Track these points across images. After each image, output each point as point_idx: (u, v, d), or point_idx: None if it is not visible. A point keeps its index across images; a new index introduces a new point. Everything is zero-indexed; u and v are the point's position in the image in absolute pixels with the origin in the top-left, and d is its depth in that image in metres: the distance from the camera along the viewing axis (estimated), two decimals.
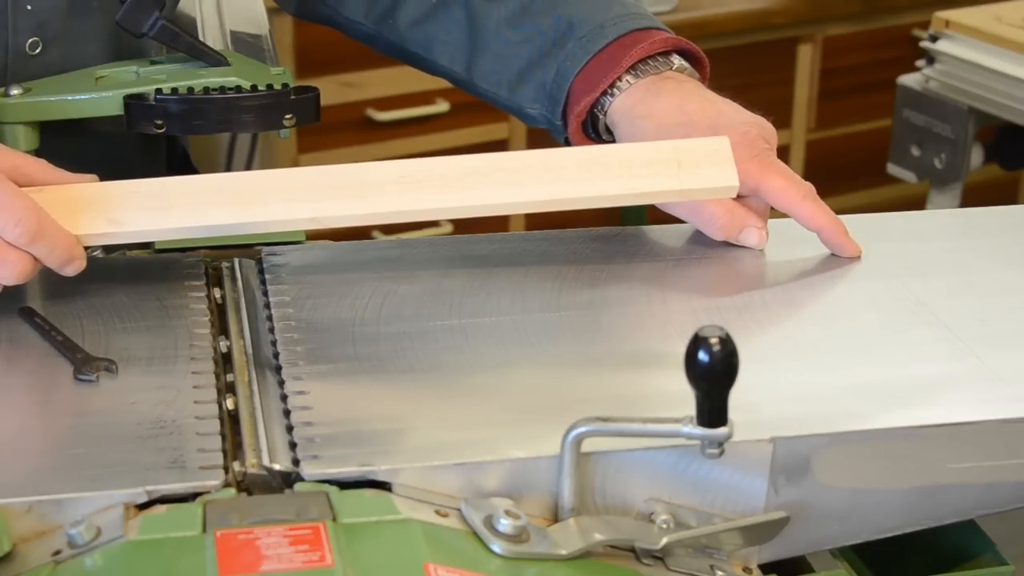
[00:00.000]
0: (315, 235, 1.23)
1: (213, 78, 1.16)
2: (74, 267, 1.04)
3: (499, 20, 1.28)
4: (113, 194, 1.06)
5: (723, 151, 1.12)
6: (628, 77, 1.21)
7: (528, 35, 1.27)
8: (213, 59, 1.19)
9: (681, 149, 1.12)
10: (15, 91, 1.16)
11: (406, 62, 1.38)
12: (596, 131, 1.25)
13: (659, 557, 0.91)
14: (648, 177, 1.10)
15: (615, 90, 1.21)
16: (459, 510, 0.88)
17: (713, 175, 1.11)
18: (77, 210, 1.05)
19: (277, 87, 1.16)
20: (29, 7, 1.18)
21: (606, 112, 1.22)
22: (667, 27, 1.26)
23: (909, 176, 2.29)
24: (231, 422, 0.95)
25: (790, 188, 1.17)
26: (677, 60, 1.23)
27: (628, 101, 1.21)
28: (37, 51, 1.19)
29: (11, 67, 1.18)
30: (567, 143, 1.26)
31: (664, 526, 0.91)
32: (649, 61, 1.22)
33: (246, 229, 1.09)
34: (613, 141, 1.23)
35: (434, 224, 2.85)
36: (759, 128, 1.19)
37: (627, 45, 1.22)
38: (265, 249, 1.16)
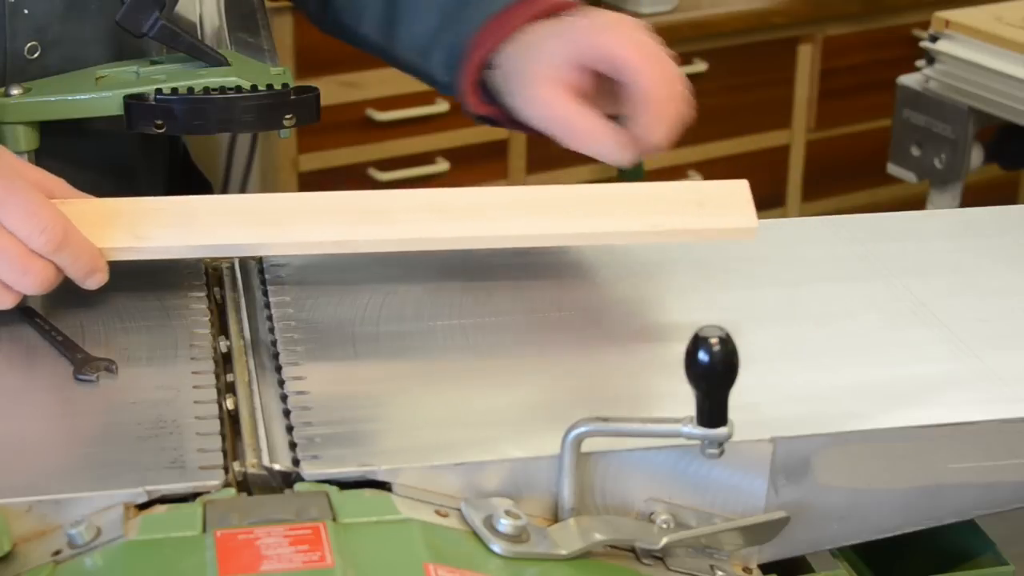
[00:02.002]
0: None
1: (213, 78, 1.16)
2: (96, 279, 1.03)
3: None
4: (138, 210, 1.06)
5: (743, 193, 1.12)
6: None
7: (435, 1, 1.25)
8: (213, 59, 1.19)
9: (703, 191, 1.12)
10: (15, 91, 1.16)
11: (344, 40, 1.37)
12: (490, 95, 1.21)
13: (659, 557, 0.91)
14: (669, 215, 1.10)
15: (505, 44, 1.18)
16: (459, 510, 0.88)
17: (733, 217, 1.11)
18: (102, 224, 1.05)
19: (277, 87, 1.16)
20: (26, 11, 1.18)
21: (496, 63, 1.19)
22: None
23: (909, 176, 2.29)
24: (231, 422, 0.95)
25: (631, 57, 1.12)
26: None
27: (515, 42, 1.18)
28: (36, 55, 1.19)
29: (9, 71, 1.18)
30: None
31: (664, 526, 0.91)
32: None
33: (270, 250, 1.09)
34: (508, 104, 1.20)
35: None
36: (623, 18, 1.16)
37: (519, 10, 1.18)
38: None
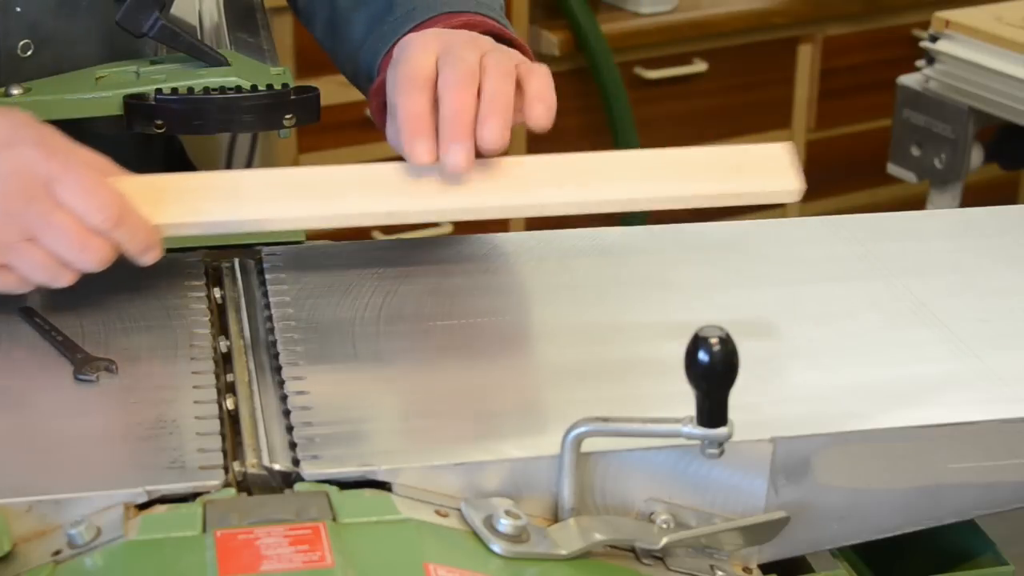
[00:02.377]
0: (315, 235, 1.23)
1: (213, 78, 1.16)
2: (152, 255, 1.03)
3: (347, 1, 1.27)
4: (190, 186, 1.07)
5: (783, 157, 1.12)
6: None
7: (365, 16, 1.25)
8: (213, 59, 1.19)
9: (742, 155, 1.11)
10: (15, 91, 1.15)
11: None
12: None
13: (659, 557, 0.91)
14: (709, 181, 1.10)
15: None
16: (459, 510, 0.88)
17: (775, 180, 1.11)
18: (155, 200, 1.04)
19: (277, 87, 1.16)
20: (18, 8, 1.18)
21: None
22: (495, 10, 1.21)
23: (909, 176, 2.29)
24: (231, 422, 0.95)
25: (393, 77, 1.07)
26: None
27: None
28: (29, 53, 1.18)
29: (4, 70, 1.18)
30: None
31: (664, 526, 0.91)
32: None
33: (323, 223, 1.08)
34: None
35: (434, 224, 2.85)
36: (472, 37, 1.11)
37: (427, 27, 1.17)
38: (265, 249, 1.16)
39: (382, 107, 1.15)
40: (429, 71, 1.07)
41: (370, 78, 1.23)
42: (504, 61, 1.08)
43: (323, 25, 1.32)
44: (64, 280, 1.01)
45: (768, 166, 1.11)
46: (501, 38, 1.17)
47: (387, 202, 1.06)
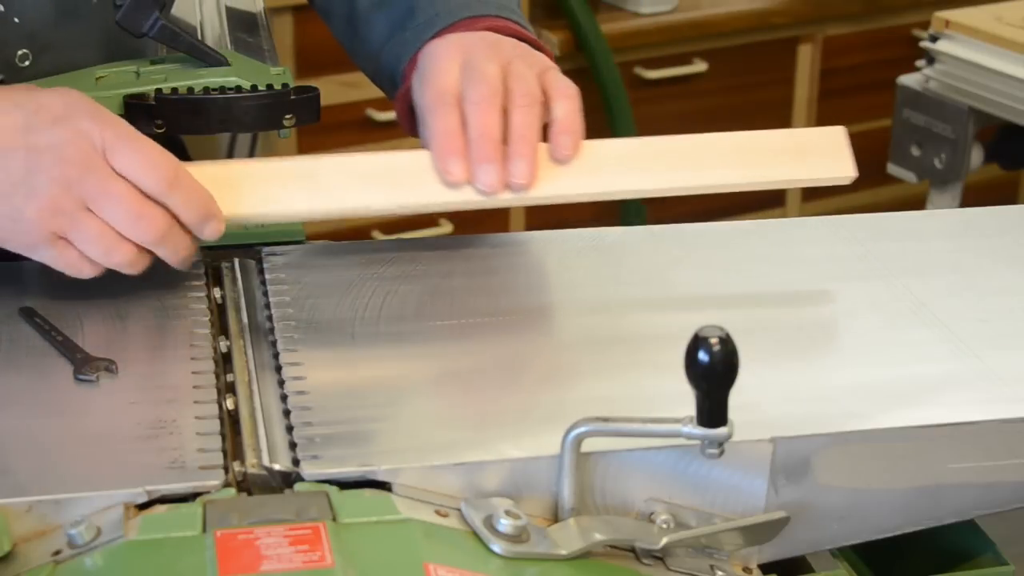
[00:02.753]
0: (315, 235, 1.23)
1: (213, 78, 1.16)
2: (212, 227, 1.04)
3: (368, 3, 1.28)
4: (264, 172, 1.07)
5: (839, 140, 1.14)
6: None
7: (385, 19, 1.26)
8: (213, 59, 1.19)
9: (801, 138, 1.14)
10: None
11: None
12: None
13: (659, 557, 0.91)
14: (771, 167, 1.13)
15: None
16: (459, 510, 0.88)
17: (830, 164, 1.13)
18: (229, 187, 1.05)
19: (277, 87, 1.16)
20: (16, 20, 1.18)
21: None
22: (516, 12, 1.22)
23: (909, 176, 2.29)
24: (231, 422, 0.95)
25: (421, 90, 1.10)
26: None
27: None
28: (27, 63, 1.19)
29: (3, 79, 1.18)
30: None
31: (664, 526, 0.91)
32: None
33: (402, 211, 1.09)
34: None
35: (434, 224, 2.85)
36: (491, 42, 1.14)
37: (449, 33, 1.18)
38: (265, 249, 1.16)
39: (408, 112, 1.18)
40: (455, 87, 1.09)
41: (392, 81, 1.24)
42: (528, 78, 1.09)
43: (341, 23, 1.32)
44: (118, 255, 1.01)
45: (827, 150, 1.14)
46: (521, 41, 1.18)
47: (464, 191, 1.07)
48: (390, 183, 1.08)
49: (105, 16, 1.19)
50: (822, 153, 1.13)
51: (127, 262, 1.02)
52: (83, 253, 1.01)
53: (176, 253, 1.03)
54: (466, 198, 1.08)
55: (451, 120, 1.08)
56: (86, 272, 1.02)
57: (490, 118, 1.07)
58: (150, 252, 1.02)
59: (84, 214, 1.00)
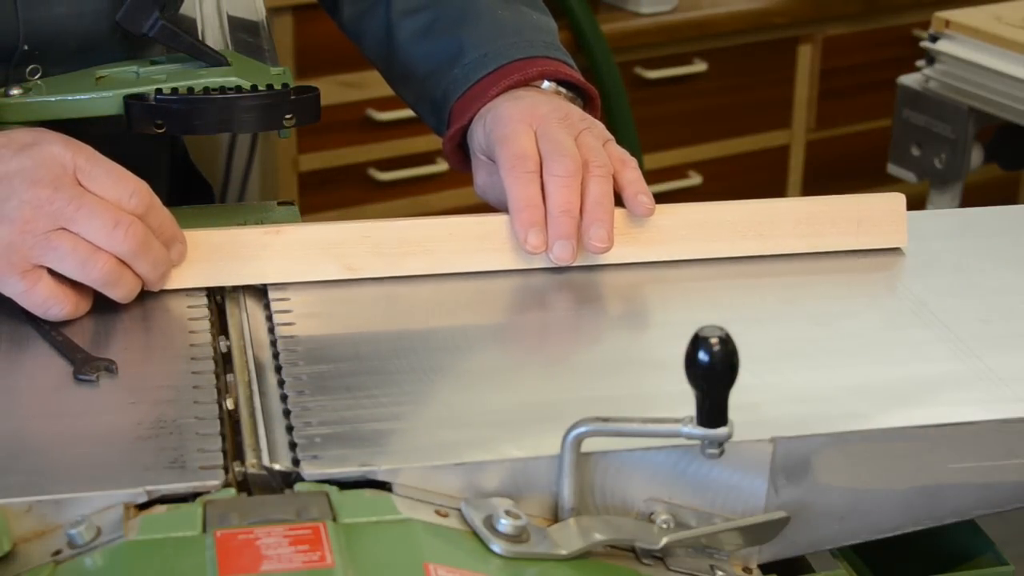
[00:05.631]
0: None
1: (213, 78, 1.16)
2: (178, 250, 1.06)
3: (409, 33, 1.31)
4: (344, 236, 1.11)
5: (898, 209, 1.19)
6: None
7: (429, 52, 1.29)
8: (213, 59, 1.19)
9: (862, 207, 1.18)
10: (15, 91, 1.16)
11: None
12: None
13: (659, 557, 0.91)
14: (830, 235, 1.18)
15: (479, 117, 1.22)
16: (459, 510, 0.88)
17: (886, 235, 1.19)
18: (310, 250, 1.10)
19: (277, 87, 1.16)
20: (36, 52, 1.18)
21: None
22: (560, 50, 1.27)
23: (909, 176, 2.29)
24: (231, 422, 0.95)
25: (501, 156, 1.14)
26: (548, 85, 1.23)
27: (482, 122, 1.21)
28: (37, 76, 1.19)
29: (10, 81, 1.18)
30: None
31: (664, 526, 0.91)
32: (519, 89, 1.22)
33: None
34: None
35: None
36: (554, 109, 1.17)
37: (500, 78, 1.22)
38: None
39: (456, 150, 1.24)
40: (533, 154, 1.14)
41: (436, 112, 1.28)
42: (599, 150, 1.15)
43: (377, 48, 1.35)
44: (96, 268, 1.01)
45: (886, 217, 1.19)
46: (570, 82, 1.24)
47: (513, 257, 1.12)
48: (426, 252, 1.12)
49: (123, 47, 1.20)
50: (880, 221, 1.18)
51: (105, 274, 1.01)
52: (57, 281, 1.01)
53: (155, 268, 1.04)
54: (531, 264, 1.13)
55: (532, 190, 1.12)
56: (53, 310, 1.02)
57: (573, 194, 1.11)
58: (129, 267, 1.02)
59: (57, 232, 1.00)
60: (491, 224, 1.13)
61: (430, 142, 2.93)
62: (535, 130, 1.15)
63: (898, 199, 1.19)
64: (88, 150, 1.02)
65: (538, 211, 1.11)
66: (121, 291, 1.03)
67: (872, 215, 1.18)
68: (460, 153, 1.25)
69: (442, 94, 1.26)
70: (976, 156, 2.23)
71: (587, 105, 1.25)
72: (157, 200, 1.04)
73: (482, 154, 1.20)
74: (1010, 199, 3.29)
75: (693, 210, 1.16)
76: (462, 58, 1.25)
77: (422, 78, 1.29)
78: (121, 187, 1.01)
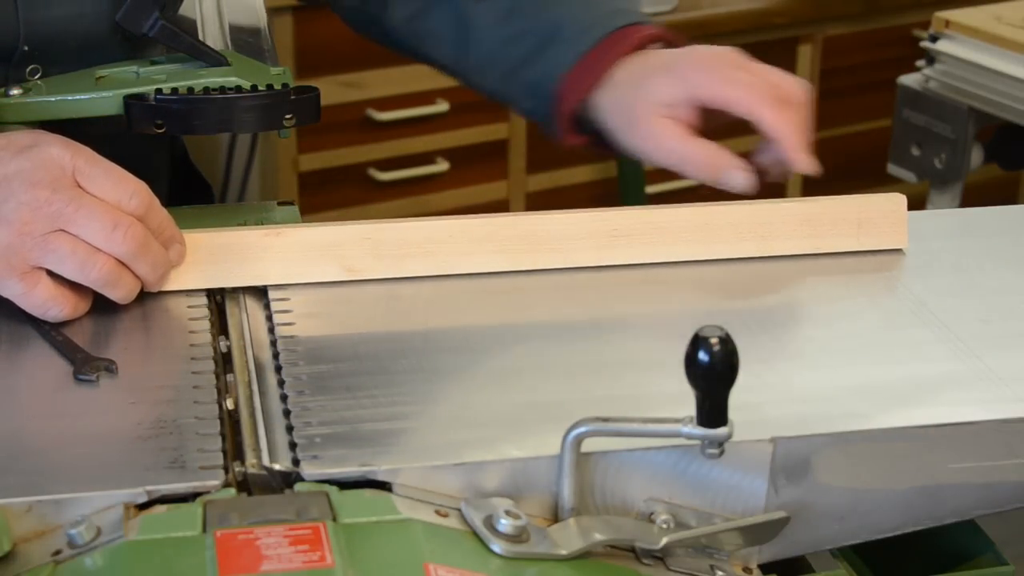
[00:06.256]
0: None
1: (213, 78, 1.16)
2: (177, 251, 1.06)
3: (488, 19, 1.30)
4: (345, 238, 1.10)
5: (899, 211, 1.19)
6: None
7: (516, 34, 1.28)
8: (213, 59, 1.19)
9: (862, 208, 1.18)
10: (15, 91, 1.16)
11: (399, 52, 1.40)
12: (584, 123, 1.26)
13: (659, 557, 0.91)
14: (830, 237, 1.18)
15: (598, 87, 1.23)
16: (459, 510, 0.88)
17: (886, 236, 1.18)
18: (311, 251, 1.09)
19: (277, 87, 1.16)
20: (36, 52, 1.18)
21: (592, 105, 1.24)
22: (647, 18, 1.28)
23: (909, 176, 2.29)
24: (231, 422, 0.95)
25: (748, 95, 1.17)
26: (656, 48, 1.25)
27: (613, 80, 1.23)
28: (37, 76, 1.19)
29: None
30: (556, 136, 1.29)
31: (664, 526, 0.91)
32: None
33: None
34: (602, 131, 1.25)
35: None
36: (729, 50, 1.22)
37: (609, 46, 1.23)
38: None
39: (570, 125, 1.25)
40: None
41: (532, 95, 1.28)
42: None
43: (450, 47, 1.34)
44: (95, 269, 1.00)
45: (886, 218, 1.18)
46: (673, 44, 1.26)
47: (514, 258, 1.13)
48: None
49: (124, 48, 1.20)
50: (880, 222, 1.18)
51: (104, 276, 1.01)
52: (56, 283, 1.01)
53: (155, 269, 1.03)
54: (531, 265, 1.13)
55: (794, 115, 1.17)
56: (52, 311, 1.02)
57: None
58: (128, 268, 1.02)
59: (56, 234, 1.00)
60: (492, 225, 1.13)
61: (430, 142, 2.94)
62: (737, 67, 1.19)
63: (899, 200, 1.19)
64: (87, 152, 1.02)
65: (805, 134, 1.18)
66: (120, 292, 1.03)
67: (873, 216, 1.18)
68: (576, 128, 1.26)
69: (541, 75, 1.26)
70: (976, 156, 2.23)
71: None
72: (156, 201, 1.03)
73: (659, 106, 1.20)
74: (1010, 199, 3.29)
75: (694, 212, 1.16)
76: (559, 36, 1.25)
77: (512, 62, 1.29)
78: (120, 188, 1.01)
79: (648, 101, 1.21)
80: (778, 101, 1.17)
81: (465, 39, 1.31)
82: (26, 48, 1.17)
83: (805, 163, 1.17)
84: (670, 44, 1.26)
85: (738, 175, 1.18)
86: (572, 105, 1.24)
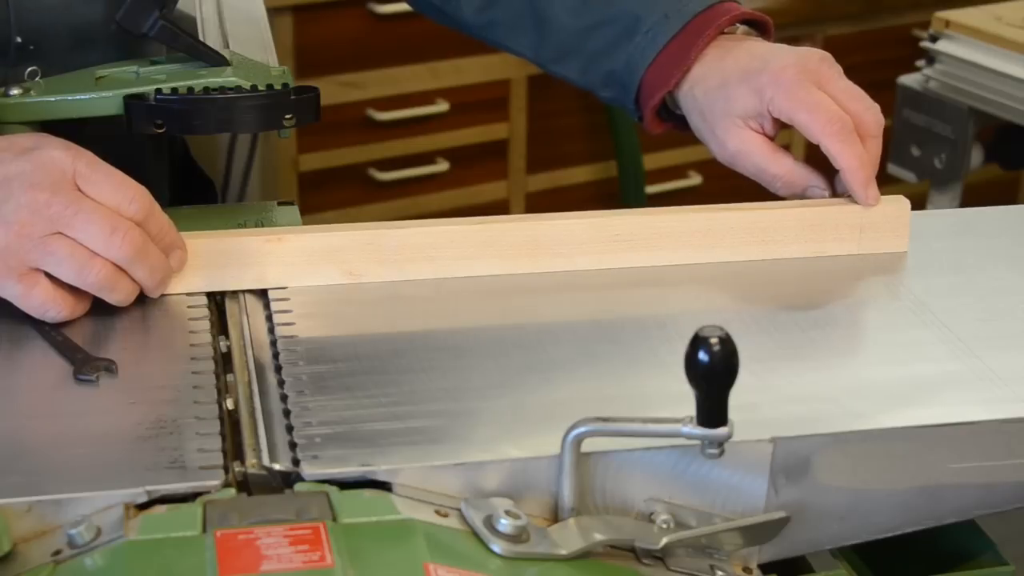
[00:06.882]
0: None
1: (213, 78, 1.16)
2: (178, 257, 1.05)
3: (561, 10, 1.30)
4: (346, 243, 1.10)
5: (902, 216, 1.19)
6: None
7: (593, 25, 1.29)
8: (213, 59, 1.19)
9: (865, 211, 1.18)
10: (15, 91, 1.16)
11: (486, 43, 1.41)
12: (669, 111, 1.28)
13: (659, 557, 0.91)
14: (832, 242, 1.18)
15: (685, 79, 1.25)
16: (459, 510, 0.88)
17: (888, 240, 1.19)
18: (312, 256, 1.09)
19: (277, 87, 1.16)
20: (31, 47, 1.18)
21: (677, 94, 1.26)
22: None
23: (909, 176, 2.29)
24: (231, 422, 0.95)
25: (816, 123, 1.18)
26: (741, 29, 1.26)
27: (695, 79, 1.24)
28: (37, 77, 1.19)
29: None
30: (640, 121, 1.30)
31: (664, 526, 0.91)
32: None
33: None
34: (685, 118, 1.26)
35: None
36: (814, 58, 1.23)
37: (690, 36, 1.23)
38: None
39: (656, 115, 1.27)
40: (844, 115, 1.19)
41: (617, 84, 1.28)
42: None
43: (510, 28, 1.34)
44: (93, 273, 1.00)
45: (887, 224, 1.19)
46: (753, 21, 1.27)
47: (515, 263, 1.13)
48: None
49: (120, 44, 1.20)
50: (883, 226, 1.18)
51: (101, 280, 1.01)
52: (54, 284, 1.01)
53: (153, 274, 1.03)
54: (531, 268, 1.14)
55: (859, 148, 1.18)
56: (50, 313, 1.02)
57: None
58: (126, 273, 1.02)
59: (54, 236, 1.00)
60: (493, 230, 1.13)
61: (430, 142, 2.94)
62: (817, 85, 1.20)
63: (903, 203, 1.19)
64: (88, 155, 1.02)
65: (871, 168, 1.17)
66: (117, 296, 1.03)
67: (875, 220, 1.18)
68: (662, 118, 1.28)
69: (624, 64, 1.26)
70: (976, 156, 2.23)
71: (763, 35, 1.28)
72: (157, 206, 1.03)
73: (739, 118, 1.21)
74: (1010, 199, 3.29)
75: (695, 217, 1.16)
76: (640, 24, 1.25)
77: (592, 53, 1.29)
78: (120, 193, 1.01)
79: (725, 111, 1.22)
80: (848, 133, 1.17)
81: (539, 30, 1.32)
82: (19, 40, 1.17)
83: (868, 199, 1.17)
84: (747, 18, 1.26)
85: (816, 192, 1.20)
86: (656, 100, 1.25)
